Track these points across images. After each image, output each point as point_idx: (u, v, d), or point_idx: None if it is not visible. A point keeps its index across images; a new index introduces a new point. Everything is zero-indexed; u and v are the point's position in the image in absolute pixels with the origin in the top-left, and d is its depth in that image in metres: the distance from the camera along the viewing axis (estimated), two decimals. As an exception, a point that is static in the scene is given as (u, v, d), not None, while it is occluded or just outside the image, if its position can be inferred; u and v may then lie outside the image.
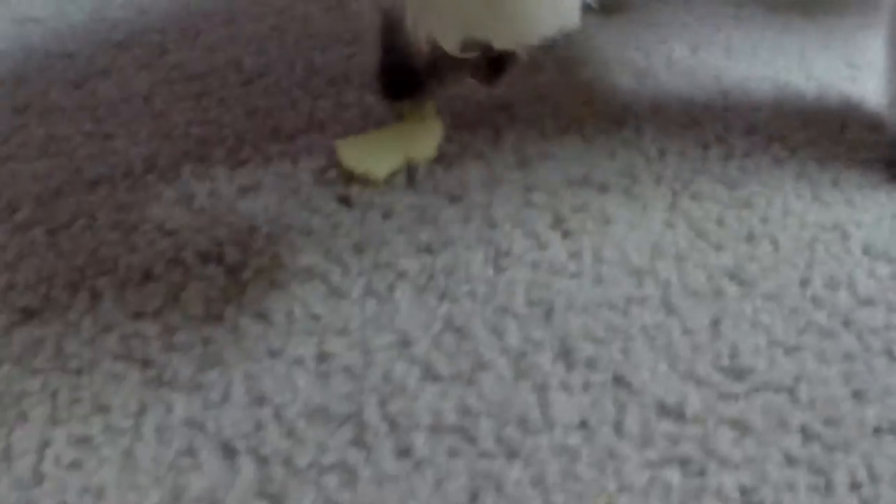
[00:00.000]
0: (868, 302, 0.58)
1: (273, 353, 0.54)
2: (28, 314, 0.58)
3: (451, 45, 0.51)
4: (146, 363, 0.54)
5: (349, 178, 0.67)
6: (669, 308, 0.57)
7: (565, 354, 0.53)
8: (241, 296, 0.59)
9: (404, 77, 0.63)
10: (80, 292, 0.60)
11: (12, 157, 0.74)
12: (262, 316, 0.57)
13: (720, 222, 0.64)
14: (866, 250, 0.62)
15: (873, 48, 0.79)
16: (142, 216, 0.66)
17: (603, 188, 0.66)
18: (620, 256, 0.60)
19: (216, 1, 0.91)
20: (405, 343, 0.54)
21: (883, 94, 0.73)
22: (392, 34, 0.61)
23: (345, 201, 0.66)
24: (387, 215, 0.64)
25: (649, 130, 0.72)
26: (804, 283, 0.59)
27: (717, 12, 0.90)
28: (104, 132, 0.75)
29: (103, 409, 0.52)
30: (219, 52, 0.84)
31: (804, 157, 0.70)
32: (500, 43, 0.52)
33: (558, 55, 0.82)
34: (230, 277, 0.60)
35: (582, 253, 0.60)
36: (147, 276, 0.61)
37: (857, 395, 0.52)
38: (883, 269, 0.61)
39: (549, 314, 0.56)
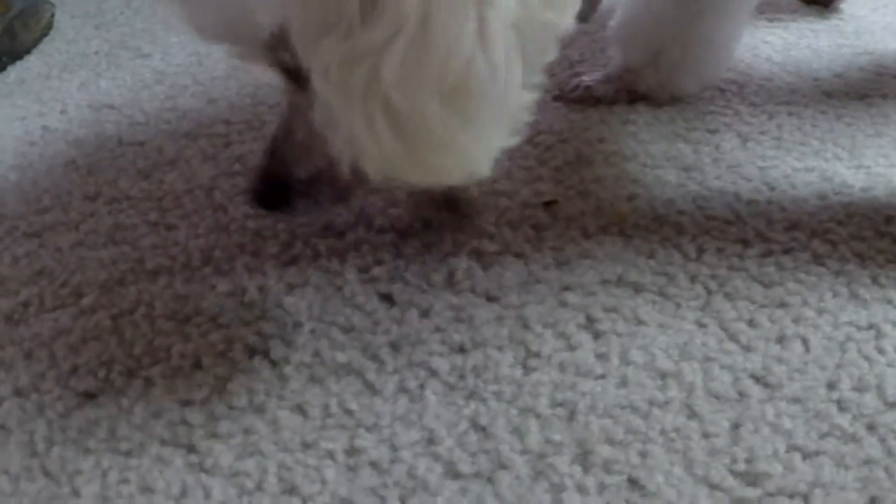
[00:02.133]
0: None
1: (306, 446, 0.62)
2: (87, 397, 0.67)
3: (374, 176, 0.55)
4: (190, 449, 0.63)
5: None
6: (691, 411, 0.62)
7: (583, 456, 0.59)
8: (282, 389, 0.66)
9: (277, 192, 0.65)
10: (135, 379, 0.69)
11: (81, 243, 0.84)
12: (300, 409, 0.65)
13: (752, 322, 0.68)
14: (900, 350, 0.66)
15: (928, 132, 0.84)
16: (196, 308, 0.74)
17: (637, 288, 0.71)
18: (647, 358, 0.65)
19: (272, 92, 1.00)
20: (431, 441, 0.61)
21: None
22: (281, 145, 0.64)
23: (386, 299, 0.72)
24: (425, 314, 0.71)
25: (690, 227, 0.77)
26: (831, 385, 0.63)
27: (770, 99, 0.95)
28: (167, 223, 0.85)
29: (148, 490, 0.60)
30: (278, 146, 0.92)
31: (845, 252, 0.75)
32: (396, 177, 0.55)
33: (606, 149, 0.88)
34: (274, 371, 0.68)
35: (610, 354, 0.66)
36: (197, 366, 0.69)
37: (873, 503, 0.55)
38: (915, 370, 0.64)
39: (571, 416, 0.62)
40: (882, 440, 0.60)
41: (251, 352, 0.69)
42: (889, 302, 0.70)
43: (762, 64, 1.02)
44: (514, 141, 0.56)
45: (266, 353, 0.69)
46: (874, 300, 0.70)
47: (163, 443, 0.63)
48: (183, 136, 0.97)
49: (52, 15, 1.27)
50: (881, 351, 0.66)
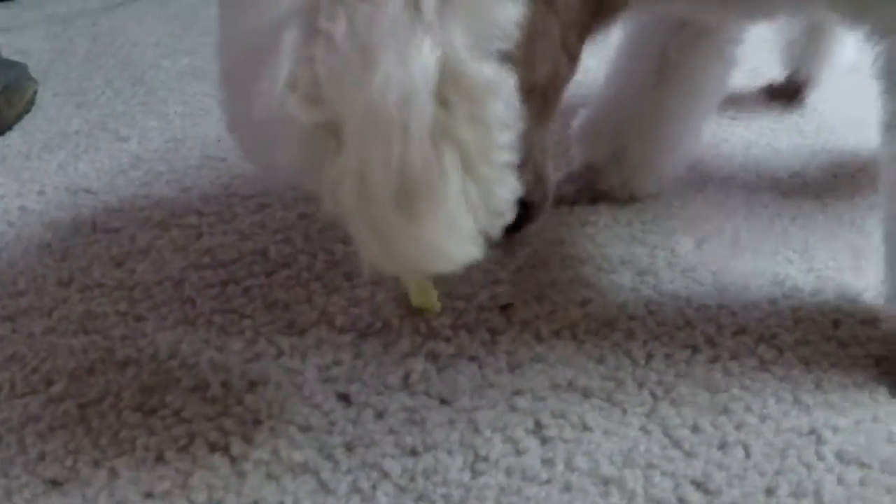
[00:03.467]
0: (834, 512, 0.67)
1: (261, 543, 0.66)
2: (54, 484, 0.72)
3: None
4: (150, 543, 0.67)
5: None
6: (630, 520, 0.66)
7: (523, 562, 0.63)
8: (240, 485, 0.71)
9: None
10: (100, 469, 0.73)
11: (53, 329, 0.89)
12: None
13: (695, 429, 0.74)
14: (839, 456, 0.71)
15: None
16: (161, 401, 0.80)
17: (586, 393, 0.77)
18: (592, 465, 0.71)
19: (253, 185, 1.07)
20: (379, 542, 0.66)
21: (882, 285, 0.82)
22: None
23: (344, 398, 0.77)
24: (380, 415, 0.76)
25: (640, 333, 0.83)
26: (770, 491, 0.69)
27: (728, 198, 1.01)
28: (137, 313, 0.90)
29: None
30: (248, 240, 0.99)
31: (791, 357, 0.80)
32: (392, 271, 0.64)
33: (564, 252, 0.94)
34: (233, 467, 0.73)
35: (556, 460, 0.71)
36: (160, 459, 0.74)
37: None
38: (853, 475, 0.70)
39: (514, 522, 0.66)
40: (822, 550, 0.65)
41: (212, 447, 0.74)
42: (831, 407, 0.75)
43: (722, 163, 1.09)
44: (501, 221, 0.62)
45: (226, 449, 0.74)
46: (816, 405, 0.76)
47: (124, 535, 0.68)
48: (156, 224, 1.03)
49: (35, 92, 1.33)
50: (820, 457, 0.71)
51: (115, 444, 0.75)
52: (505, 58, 0.58)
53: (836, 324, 0.84)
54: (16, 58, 1.39)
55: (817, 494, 0.68)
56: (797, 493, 0.68)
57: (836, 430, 0.73)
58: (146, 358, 0.84)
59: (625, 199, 1.01)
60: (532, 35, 0.66)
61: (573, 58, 0.74)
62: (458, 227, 0.59)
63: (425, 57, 0.55)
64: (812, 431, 0.73)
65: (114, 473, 0.72)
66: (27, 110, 1.30)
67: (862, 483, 0.69)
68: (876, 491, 0.68)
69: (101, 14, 1.71)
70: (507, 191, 0.61)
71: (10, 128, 1.27)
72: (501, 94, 0.58)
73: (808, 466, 0.70)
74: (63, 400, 0.80)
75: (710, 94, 0.98)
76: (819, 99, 1.22)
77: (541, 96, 0.72)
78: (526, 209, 0.78)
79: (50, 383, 0.82)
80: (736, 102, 1.22)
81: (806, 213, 0.99)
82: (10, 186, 1.13)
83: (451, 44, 0.55)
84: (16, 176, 1.15)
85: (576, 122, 1.03)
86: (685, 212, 1.00)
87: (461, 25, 0.56)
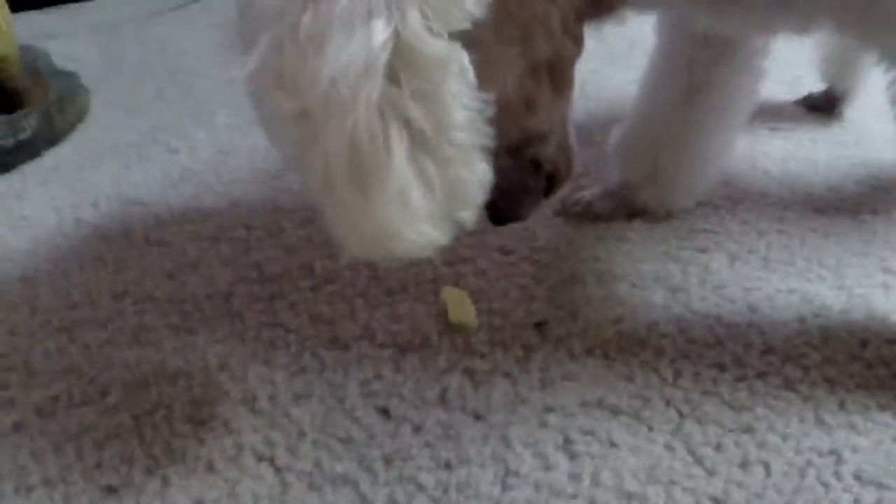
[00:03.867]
0: (847, 533, 0.72)
1: (302, 552, 0.73)
2: (110, 491, 0.79)
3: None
4: (200, 549, 0.74)
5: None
6: (651, 535, 0.72)
7: (549, 574, 0.70)
8: (284, 495, 0.78)
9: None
10: (153, 477, 0.80)
11: (108, 341, 0.96)
12: None
13: (718, 447, 0.79)
14: (857, 476, 0.76)
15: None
16: (211, 413, 0.86)
17: (615, 411, 0.82)
18: (616, 481, 0.76)
19: (299, 198, 1.13)
20: (415, 552, 0.72)
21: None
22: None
23: (384, 413, 0.84)
24: (417, 429, 0.82)
25: (670, 351, 0.88)
26: (786, 511, 0.74)
27: (762, 216, 1.06)
28: (188, 326, 0.97)
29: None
30: (295, 255, 1.05)
31: (816, 377, 0.85)
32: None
33: (599, 268, 0.99)
34: (277, 477, 0.79)
35: (582, 475, 0.77)
36: (210, 468, 0.81)
37: None
38: (870, 497, 0.74)
39: (542, 535, 0.72)
40: (833, 569, 0.70)
41: (258, 458, 0.81)
42: (852, 427, 0.80)
43: (759, 177, 1.13)
44: (468, 214, 0.63)
45: (272, 460, 0.80)
46: (838, 426, 0.80)
47: (177, 540, 0.75)
48: (205, 238, 1.09)
49: (87, 101, 1.41)
50: (839, 477, 0.76)
51: (167, 454, 0.82)
52: (468, 36, 0.59)
53: (864, 344, 0.88)
54: (66, 65, 1.47)
55: (833, 516, 0.73)
56: (813, 513, 0.73)
57: (855, 450, 0.78)
58: (197, 370, 0.91)
59: (660, 214, 1.06)
60: (530, 16, 0.69)
61: (576, 40, 0.76)
62: (412, 206, 0.60)
63: (375, 35, 0.57)
64: (832, 451, 0.78)
65: (166, 481, 0.79)
66: (80, 119, 1.38)
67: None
68: (892, 512, 0.73)
69: (150, 21, 1.78)
70: (475, 174, 0.62)
71: (63, 137, 1.34)
72: (454, 71, 0.59)
73: (826, 486, 0.75)
74: (118, 410, 0.87)
75: (739, 107, 1.02)
76: (859, 112, 1.25)
77: (549, 73, 0.75)
78: (550, 180, 0.86)
79: (105, 394, 0.89)
80: (776, 114, 1.26)
81: (840, 230, 1.03)
82: (65, 198, 1.20)
83: (404, 22, 0.57)
84: (70, 186, 1.23)
85: (611, 140, 1.08)
86: (720, 228, 1.05)
87: (415, 4, 0.57)
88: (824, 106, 1.26)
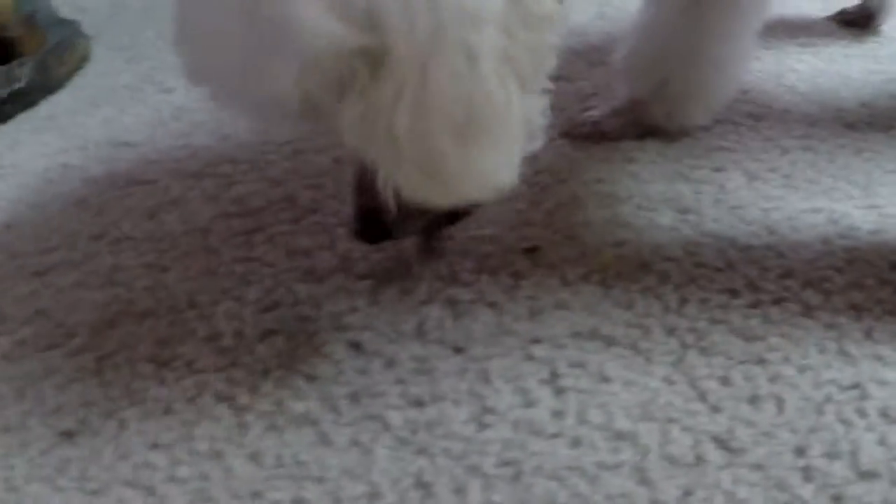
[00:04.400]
0: (869, 475, 0.61)
1: (255, 495, 0.65)
2: (66, 436, 0.71)
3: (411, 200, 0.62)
4: (150, 491, 0.66)
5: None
6: (642, 476, 0.62)
7: (523, 519, 0.59)
8: (241, 437, 0.69)
9: (375, 224, 0.71)
10: (110, 420, 0.72)
11: (81, 283, 0.88)
12: (255, 458, 0.67)
13: (725, 380, 0.68)
14: (884, 413, 0.65)
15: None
16: (175, 352, 0.78)
17: (609, 342, 0.72)
18: (605, 418, 0.66)
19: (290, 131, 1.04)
20: (374, 495, 0.63)
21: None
22: (366, 185, 0.69)
23: (355, 347, 0.74)
24: (389, 364, 0.73)
25: (675, 276, 0.77)
26: (800, 451, 0.63)
27: (786, 133, 0.94)
28: (162, 264, 0.89)
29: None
30: (279, 187, 0.96)
31: (839, 303, 0.73)
32: (436, 203, 0.62)
33: (602, 190, 0.88)
34: (236, 418, 0.71)
35: (567, 413, 0.66)
36: (168, 410, 0.73)
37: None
38: (896, 436, 0.62)
39: (516, 477, 0.63)
40: (847, 514, 0.58)
41: (219, 398, 0.72)
42: (879, 359, 0.69)
43: (784, 94, 1.00)
44: (535, 145, 0.62)
45: (232, 400, 0.72)
46: (863, 357, 0.69)
47: (126, 484, 0.66)
48: (190, 175, 1.01)
49: (88, 48, 1.33)
50: (862, 414, 0.65)
51: (126, 396, 0.74)
52: None
53: (894, 266, 0.76)
54: (74, 15, 1.39)
55: (853, 455, 0.62)
56: (830, 454, 0.62)
57: (882, 384, 0.67)
58: (164, 309, 0.82)
59: (674, 132, 0.94)
60: None
61: None
62: (510, 153, 0.60)
63: None
64: (855, 385, 0.67)
65: (123, 425, 0.71)
66: (80, 66, 1.30)
67: (905, 445, 0.62)
68: (921, 454, 0.61)
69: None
70: (544, 115, 0.63)
71: (61, 85, 1.26)
72: (556, 24, 0.59)
73: (847, 424, 0.64)
74: (82, 353, 0.79)
75: (753, 9, 0.90)
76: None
77: None
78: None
79: (71, 337, 0.81)
80: (807, 29, 1.13)
81: (871, 146, 0.91)
82: (54, 143, 1.12)
83: None
84: (62, 133, 1.15)
85: (616, 55, 0.96)
86: (739, 145, 0.93)
87: None
88: (859, 21, 1.13)
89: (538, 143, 0.63)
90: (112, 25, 1.43)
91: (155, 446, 0.69)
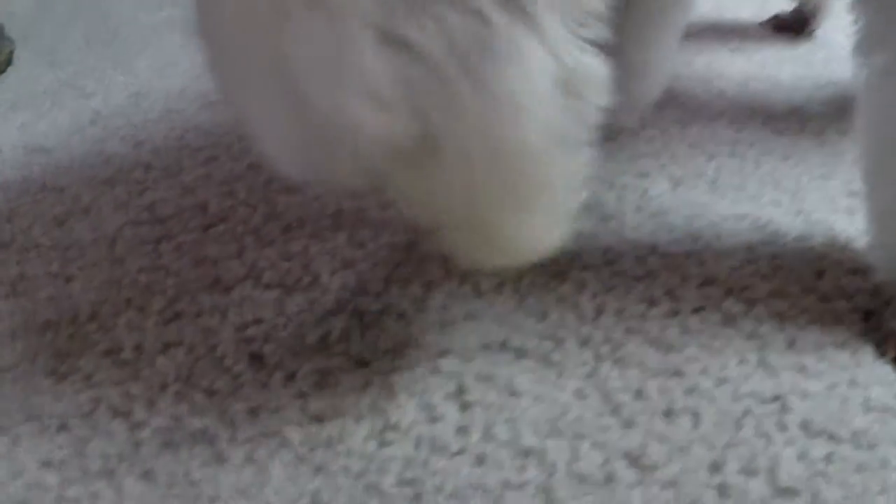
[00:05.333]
0: (788, 491, 0.58)
1: (145, 517, 0.61)
2: (-42, 456, 0.68)
3: None
4: (38, 513, 0.63)
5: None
6: (548, 496, 0.58)
7: (420, 540, 0.56)
8: (135, 454, 0.66)
9: None
10: (4, 437, 0.68)
11: (-20, 296, 0.84)
12: (148, 476, 0.64)
13: (639, 394, 0.64)
14: (804, 426, 0.62)
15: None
16: (73, 366, 0.74)
17: (520, 353, 0.68)
18: (512, 434, 0.62)
19: (206, 136, 0.99)
20: (267, 516, 0.58)
21: (866, 230, 0.71)
22: None
23: (258, 360, 0.70)
24: (290, 378, 0.69)
25: (592, 285, 0.74)
26: (715, 467, 0.60)
27: (712, 139, 0.90)
28: (67, 274, 0.84)
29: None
30: (191, 194, 0.92)
31: (762, 312, 0.70)
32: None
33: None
34: (131, 434, 0.67)
35: (472, 429, 0.63)
36: (63, 427, 0.69)
37: None
38: (819, 450, 0.60)
39: (417, 496, 0.59)
40: (760, 536, 0.55)
41: (114, 413, 0.69)
42: (802, 370, 0.66)
43: (713, 100, 0.97)
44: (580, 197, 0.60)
45: (127, 416, 0.68)
46: (785, 368, 0.66)
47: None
48: (102, 181, 0.97)
49: (11, 52, 1.28)
50: (782, 427, 0.62)
51: (22, 411, 0.70)
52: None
53: (820, 274, 0.73)
54: (2, 19, 1.34)
55: (771, 472, 0.59)
56: (748, 470, 0.59)
57: (804, 395, 0.64)
58: (65, 321, 0.78)
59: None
60: None
61: None
62: (561, 211, 0.59)
63: (539, 63, 0.51)
64: (776, 398, 0.64)
65: (15, 441, 0.68)
66: (2, 71, 1.25)
67: (828, 459, 0.59)
68: (843, 468, 0.59)
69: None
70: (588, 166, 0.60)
71: (-20, 90, 1.22)
72: (599, 81, 0.55)
73: (766, 438, 0.61)
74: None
75: (675, 17, 0.87)
76: (831, 29, 1.08)
77: None
78: None
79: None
80: (740, 34, 1.10)
81: (801, 152, 0.88)
82: (-30, 150, 1.08)
83: (554, 41, 0.52)
84: (-22, 138, 1.10)
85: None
86: (665, 151, 0.89)
87: (558, 18, 0.52)
88: (793, 25, 1.10)
89: (583, 195, 0.60)
90: (37, 29, 1.38)
91: (47, 464, 0.65)
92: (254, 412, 0.66)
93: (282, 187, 0.89)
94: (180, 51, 1.21)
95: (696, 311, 0.71)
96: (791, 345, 0.67)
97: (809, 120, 0.93)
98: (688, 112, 0.95)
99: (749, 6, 1.14)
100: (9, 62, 1.27)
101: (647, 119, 0.92)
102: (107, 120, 1.08)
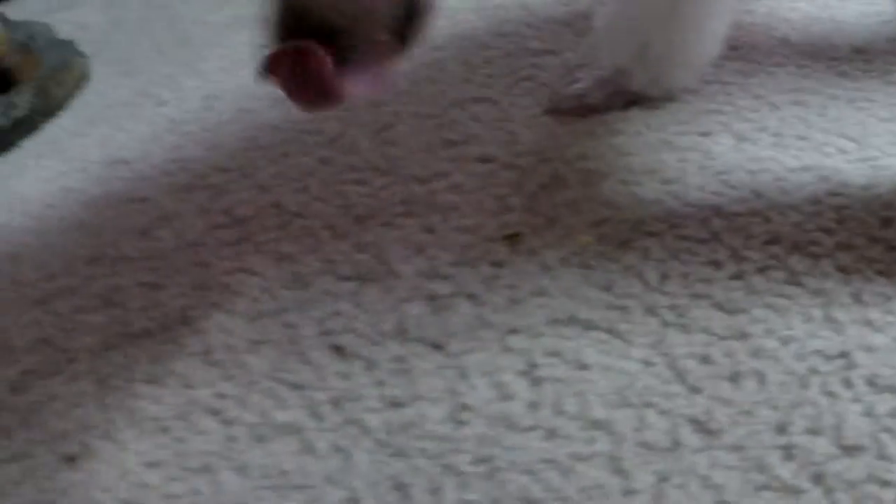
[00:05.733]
0: (853, 449, 0.60)
1: (241, 507, 0.67)
2: (69, 460, 0.74)
3: None
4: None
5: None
6: (616, 466, 0.62)
7: (497, 516, 0.61)
8: (229, 450, 0.72)
9: None
10: (109, 442, 0.75)
11: (80, 308, 0.91)
12: (242, 470, 0.70)
13: (705, 359, 0.68)
14: (870, 382, 0.64)
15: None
16: (168, 369, 0.80)
17: (588, 326, 0.73)
18: (581, 407, 0.66)
19: (276, 133, 1.05)
20: (353, 500, 0.65)
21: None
22: None
23: (338, 351, 0.76)
24: (370, 366, 0.74)
25: (656, 251, 0.77)
26: (781, 429, 0.62)
27: (776, 89, 0.92)
28: (156, 282, 0.91)
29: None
30: (266, 193, 0.98)
31: (827, 267, 0.72)
32: None
33: (586, 167, 0.88)
34: (225, 431, 0.73)
35: (542, 404, 0.67)
36: (163, 428, 0.75)
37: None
38: (884, 405, 0.63)
39: (491, 473, 0.64)
40: (828, 492, 0.58)
41: (209, 412, 0.75)
42: (868, 324, 0.68)
43: (775, 47, 0.99)
44: None
45: (220, 414, 0.74)
46: (851, 322, 0.68)
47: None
48: (182, 188, 1.03)
49: (85, 67, 1.36)
50: (848, 384, 0.64)
51: (124, 418, 0.77)
52: None
53: (887, 222, 0.75)
54: (75, 33, 1.42)
55: (836, 430, 0.61)
56: (813, 430, 0.61)
57: (870, 350, 0.66)
58: (158, 328, 0.85)
59: (660, 98, 0.93)
60: None
61: None
62: None
63: None
64: (842, 354, 0.66)
65: (121, 446, 0.74)
66: (79, 87, 1.33)
67: (893, 414, 0.62)
68: (910, 423, 0.61)
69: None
70: None
71: (62, 107, 1.29)
72: None
73: (832, 396, 0.63)
74: (83, 377, 0.82)
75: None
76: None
77: None
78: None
79: (72, 362, 0.84)
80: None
81: (866, 95, 0.89)
82: (55, 167, 1.15)
83: None
84: (62, 156, 1.18)
85: (597, 22, 0.95)
86: (728, 106, 0.91)
87: None
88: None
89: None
90: (110, 41, 1.46)
91: (151, 465, 0.72)
92: (336, 402, 0.72)
93: (352, 179, 0.95)
94: (249, 49, 1.26)
95: (762, 270, 0.73)
96: (857, 298, 0.70)
97: (875, 60, 0.93)
98: (750, 63, 0.97)
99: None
100: (84, 77, 1.35)
101: (708, 74, 0.94)
102: (182, 126, 1.15)
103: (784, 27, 1.02)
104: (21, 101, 1.26)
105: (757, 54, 0.98)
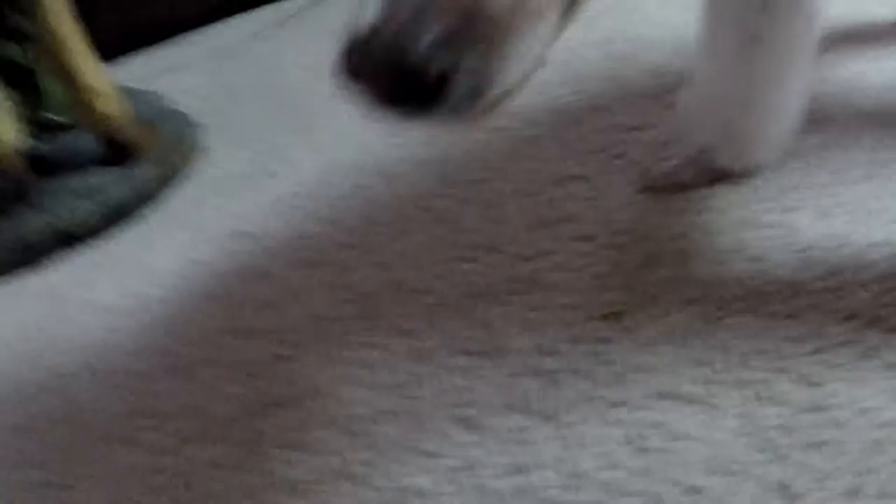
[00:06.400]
0: (919, 511, 0.73)
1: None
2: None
3: None
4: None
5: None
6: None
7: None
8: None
9: None
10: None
11: (220, 377, 1.07)
12: None
13: (788, 429, 0.81)
14: (937, 447, 0.76)
15: None
16: (303, 439, 0.95)
17: (684, 399, 0.85)
18: (681, 474, 0.79)
19: (392, 210, 1.21)
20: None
21: None
22: None
23: (461, 422, 0.91)
24: (492, 436, 0.88)
25: (744, 329, 0.90)
26: (853, 493, 0.75)
27: (851, 164, 1.04)
28: (288, 355, 1.06)
29: None
30: (385, 271, 1.13)
31: (901, 340, 0.84)
32: None
33: (678, 247, 1.01)
34: (357, 495, 0.87)
35: (647, 471, 0.80)
36: (294, 491, 0.89)
37: None
38: (951, 472, 0.74)
39: (602, 537, 0.77)
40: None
41: (341, 476, 0.89)
42: (938, 394, 0.80)
43: (851, 118, 1.10)
44: None
45: (352, 478, 0.88)
46: (922, 394, 0.80)
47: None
48: (305, 264, 1.18)
49: (197, 137, 1.53)
50: (917, 451, 0.76)
51: (263, 481, 0.91)
52: None
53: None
54: (181, 97, 1.59)
55: (905, 494, 0.74)
56: (883, 494, 0.73)
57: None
58: (292, 399, 1.00)
59: (743, 174, 1.06)
60: None
61: None
62: None
63: None
64: (913, 424, 0.78)
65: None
66: (193, 156, 1.49)
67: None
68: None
69: (258, 40, 1.88)
70: None
71: (178, 177, 1.46)
72: None
73: (903, 462, 0.76)
74: (223, 443, 0.97)
75: (802, 50, 1.00)
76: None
77: None
78: None
79: (213, 428, 0.99)
80: (875, 37, 1.21)
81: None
82: (181, 237, 1.32)
83: None
84: (185, 227, 1.34)
85: (681, 101, 1.08)
86: (806, 182, 1.04)
87: None
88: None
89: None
90: (219, 108, 1.62)
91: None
92: (462, 470, 0.86)
93: (463, 257, 1.10)
94: (356, 123, 1.39)
95: (840, 345, 0.86)
96: (931, 370, 0.82)
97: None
98: (827, 135, 1.09)
99: (885, 6, 1.26)
100: (197, 147, 1.52)
101: (790, 149, 1.07)
102: (300, 200, 1.30)
103: (860, 97, 1.14)
104: (142, 172, 1.44)
105: (833, 127, 1.10)
